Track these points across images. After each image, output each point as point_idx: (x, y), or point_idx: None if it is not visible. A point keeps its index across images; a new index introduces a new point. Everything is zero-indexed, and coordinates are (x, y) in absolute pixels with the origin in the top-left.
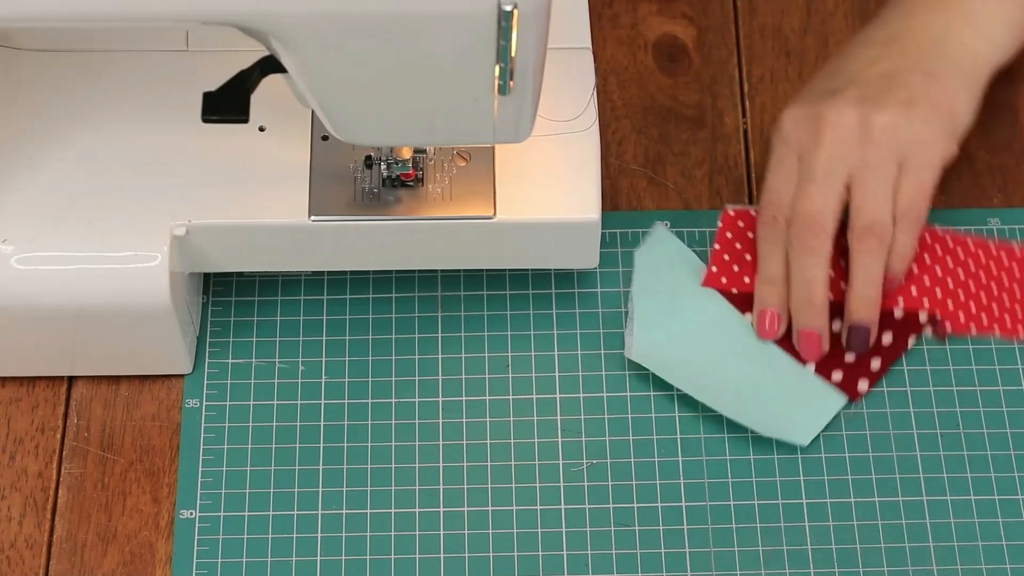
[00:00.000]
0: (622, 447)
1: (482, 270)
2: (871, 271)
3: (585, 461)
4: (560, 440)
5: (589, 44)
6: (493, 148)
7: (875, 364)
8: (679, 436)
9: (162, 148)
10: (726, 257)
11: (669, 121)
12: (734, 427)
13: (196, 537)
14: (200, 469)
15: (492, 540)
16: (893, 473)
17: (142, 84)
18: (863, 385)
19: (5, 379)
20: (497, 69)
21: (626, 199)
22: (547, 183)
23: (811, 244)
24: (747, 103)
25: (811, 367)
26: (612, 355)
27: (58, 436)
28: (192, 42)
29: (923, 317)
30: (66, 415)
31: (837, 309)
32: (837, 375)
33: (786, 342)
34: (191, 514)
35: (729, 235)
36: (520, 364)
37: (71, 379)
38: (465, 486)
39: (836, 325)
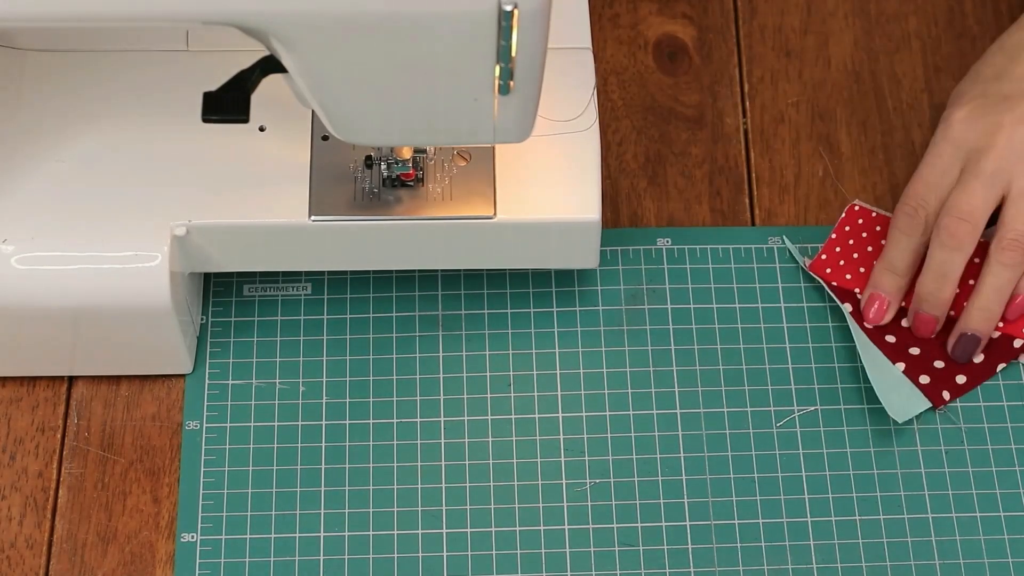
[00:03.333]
0: (624, 443)
1: (482, 269)
2: (1002, 284)
3: (587, 459)
4: (562, 437)
5: (589, 44)
6: (493, 148)
7: (960, 379)
8: (681, 434)
9: (162, 148)
10: (837, 249)
11: (669, 121)
12: (737, 444)
13: (198, 560)
14: (202, 474)
15: (495, 537)
16: (898, 491)
17: (142, 84)
18: (946, 395)
19: (5, 379)
20: (497, 69)
21: (626, 199)
22: (547, 183)
23: (960, 238)
24: (747, 103)
25: (901, 367)
26: (614, 352)
27: (58, 436)
28: (192, 42)
29: (1017, 343)
30: (66, 415)
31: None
32: (924, 379)
33: (881, 343)
34: (192, 538)
35: (847, 228)
36: (521, 362)
37: (71, 379)
38: (468, 484)
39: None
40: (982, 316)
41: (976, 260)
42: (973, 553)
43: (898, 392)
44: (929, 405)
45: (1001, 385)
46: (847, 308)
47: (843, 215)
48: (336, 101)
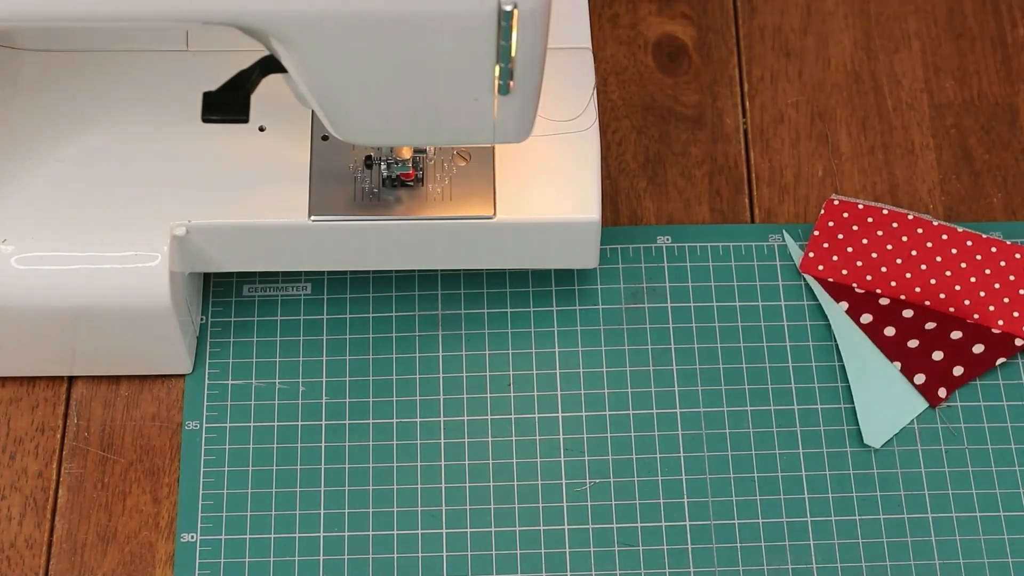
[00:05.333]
0: (624, 443)
1: (482, 269)
2: None
3: (587, 459)
4: (561, 437)
5: (589, 44)
6: (493, 148)
7: (957, 371)
8: (681, 434)
9: (162, 148)
10: (825, 245)
11: (669, 121)
12: (737, 443)
13: (198, 560)
14: (201, 474)
15: (494, 537)
16: (898, 491)
17: (142, 84)
18: (942, 392)
19: (5, 379)
20: (497, 69)
21: (626, 199)
22: (547, 183)
23: None
24: (747, 103)
25: (897, 366)
26: (613, 351)
27: (58, 436)
28: (192, 42)
29: (1019, 342)
30: (66, 415)
31: (921, 316)
32: (920, 378)
33: (878, 338)
34: (192, 538)
35: (831, 224)
36: (521, 361)
37: (71, 379)
38: (467, 484)
39: (920, 331)
40: None
41: (954, 251)
42: (973, 553)
43: (881, 408)
44: (909, 420)
45: (1001, 385)
46: (843, 306)
47: (822, 211)
48: (336, 101)
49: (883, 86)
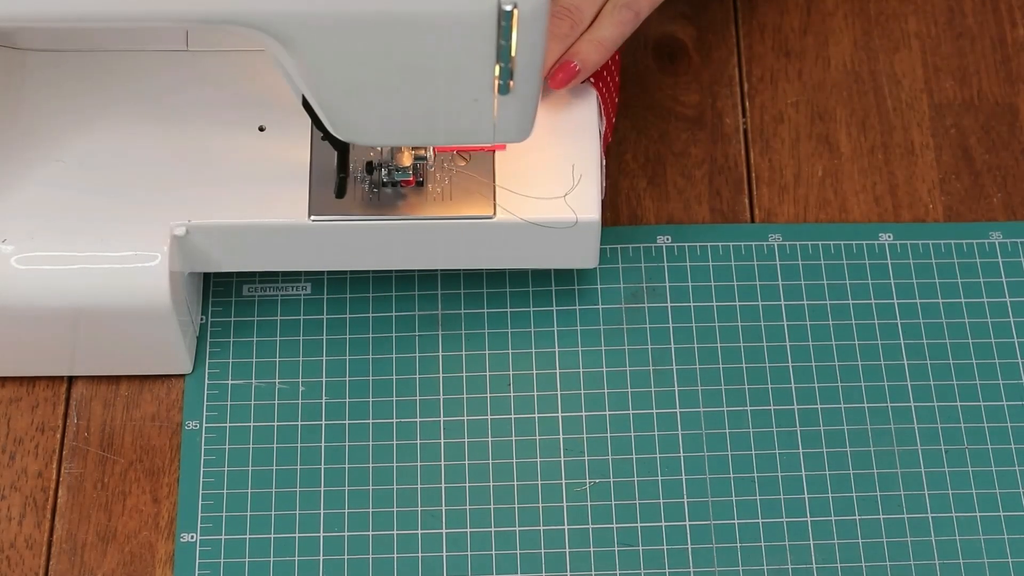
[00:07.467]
0: (624, 443)
1: (482, 268)
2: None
3: (587, 458)
4: (561, 437)
5: None
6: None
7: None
8: (680, 433)
9: (162, 148)
10: None
11: (669, 121)
12: (737, 443)
13: (197, 560)
14: (201, 474)
15: (494, 537)
16: (898, 491)
17: (142, 84)
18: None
19: (5, 379)
20: (497, 69)
21: (626, 199)
22: (547, 183)
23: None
24: (747, 103)
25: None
26: (613, 351)
27: (58, 436)
28: (192, 42)
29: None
30: (66, 415)
31: None
32: None
33: None
34: (192, 538)
35: None
36: (521, 361)
37: (71, 379)
38: (467, 484)
39: None
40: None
41: None
42: (973, 553)
43: None
44: None
45: (1001, 385)
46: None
47: None
48: (336, 101)
49: (883, 86)
